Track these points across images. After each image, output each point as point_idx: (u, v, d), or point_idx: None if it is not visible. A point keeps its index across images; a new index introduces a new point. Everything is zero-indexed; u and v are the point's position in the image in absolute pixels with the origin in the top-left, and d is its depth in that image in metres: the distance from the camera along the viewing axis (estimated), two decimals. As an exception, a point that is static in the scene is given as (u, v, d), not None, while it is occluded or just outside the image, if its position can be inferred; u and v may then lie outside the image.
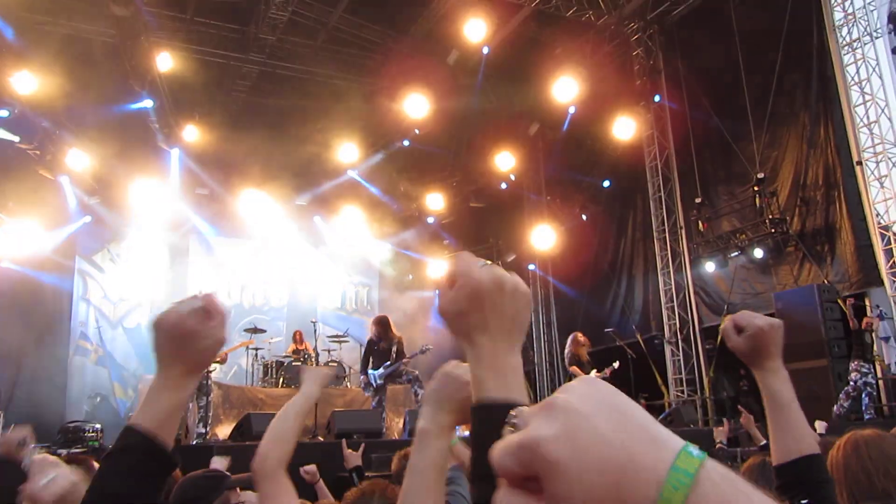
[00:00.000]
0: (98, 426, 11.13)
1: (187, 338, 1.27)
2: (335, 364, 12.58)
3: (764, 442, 5.18)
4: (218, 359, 10.56)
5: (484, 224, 18.30)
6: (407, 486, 1.27)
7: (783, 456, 1.51)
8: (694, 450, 0.54)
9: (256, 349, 12.68)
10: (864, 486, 2.13)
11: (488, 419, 0.97)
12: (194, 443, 8.50)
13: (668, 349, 13.98)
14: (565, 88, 14.58)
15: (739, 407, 7.75)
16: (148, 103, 13.52)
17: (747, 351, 1.61)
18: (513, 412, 0.60)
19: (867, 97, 11.06)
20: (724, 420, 11.49)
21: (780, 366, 1.59)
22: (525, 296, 1.06)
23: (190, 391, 1.33)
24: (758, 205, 11.99)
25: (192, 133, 14.53)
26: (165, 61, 13.15)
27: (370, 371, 9.79)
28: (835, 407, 9.61)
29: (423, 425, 1.30)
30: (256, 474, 1.88)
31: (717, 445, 4.80)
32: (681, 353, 13.77)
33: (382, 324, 10.01)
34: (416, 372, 9.89)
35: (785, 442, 1.51)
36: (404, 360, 9.69)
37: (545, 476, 0.55)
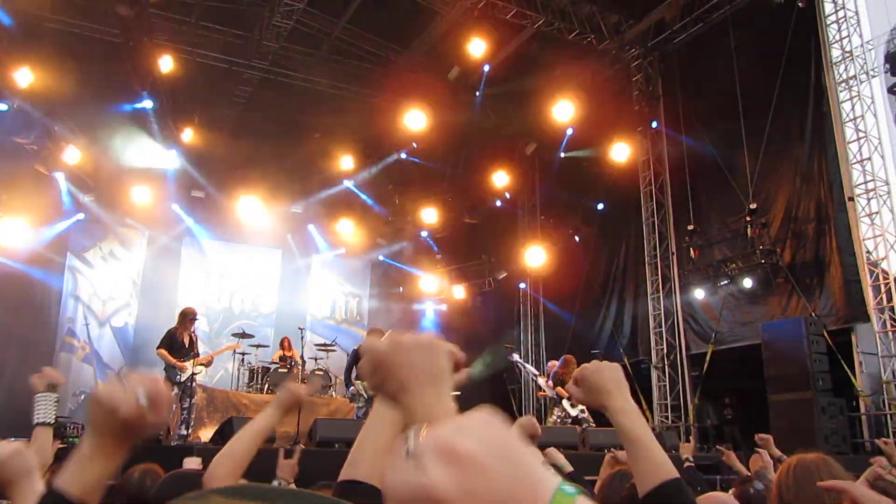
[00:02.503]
0: (80, 423, 11.07)
1: (127, 423, 1.24)
2: (321, 372, 12.56)
3: (748, 474, 5.18)
4: (203, 362, 10.56)
5: (477, 240, 18.35)
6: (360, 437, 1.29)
7: (645, 486, 1.55)
8: (568, 488, 0.59)
9: (243, 354, 12.66)
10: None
11: None
12: (173, 444, 8.47)
13: (654, 374, 14.01)
14: (564, 110, 14.68)
15: (719, 446, 7.77)
16: (148, 104, 13.57)
17: (589, 395, 1.63)
18: (409, 432, 0.64)
19: (861, 134, 11.17)
20: (690, 438, 11.53)
21: (623, 404, 1.59)
22: (430, 344, 1.06)
23: (121, 461, 1.28)
24: (749, 235, 12.07)
25: (191, 136, 14.56)
26: (167, 63, 13.18)
27: (356, 381, 9.81)
28: None
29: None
30: (204, 487, 1.88)
31: (685, 464, 4.80)
32: (667, 379, 13.80)
33: (370, 335, 10.06)
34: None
35: (645, 472, 1.55)
36: None
37: None
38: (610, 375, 1.63)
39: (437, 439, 0.61)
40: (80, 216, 14.50)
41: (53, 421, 2.47)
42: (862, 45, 11.39)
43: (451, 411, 1.02)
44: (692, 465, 4.72)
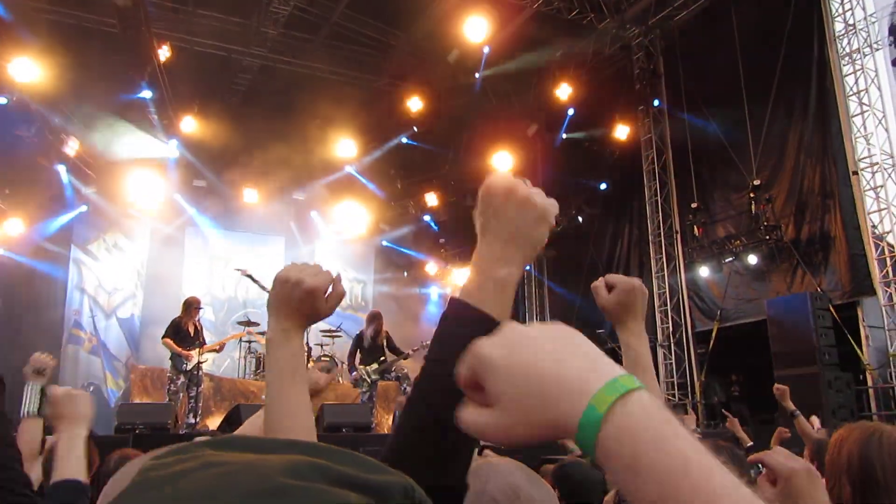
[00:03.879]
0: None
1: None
2: (327, 358, 12.60)
3: (751, 444, 5.22)
4: (215, 348, 10.61)
5: (480, 223, 18.28)
6: (267, 393, 1.28)
7: None
8: (635, 379, 0.58)
9: (249, 342, 12.70)
10: (874, 484, 1.94)
11: (451, 318, 1.03)
12: (182, 432, 8.51)
13: (660, 352, 14.02)
14: (565, 90, 14.61)
15: (724, 411, 7.80)
16: (147, 94, 13.51)
17: (615, 308, 1.61)
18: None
19: (865, 108, 11.10)
20: (689, 410, 11.55)
21: (643, 329, 1.61)
22: (536, 209, 1.08)
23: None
24: (753, 211, 12.02)
25: (191, 125, 14.53)
26: (165, 53, 13.12)
27: (360, 366, 9.84)
28: None
29: (268, 336, 1.30)
30: None
31: None
32: (673, 357, 13.82)
33: (373, 318, 10.13)
34: (406, 370, 9.96)
35: None
36: (407, 355, 9.81)
37: (481, 375, 0.61)
38: (644, 302, 1.63)
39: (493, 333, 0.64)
40: (83, 208, 14.50)
41: (37, 411, 2.49)
42: (865, 18, 11.29)
43: (503, 280, 1.04)
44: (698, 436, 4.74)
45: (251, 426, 1.86)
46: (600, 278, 1.67)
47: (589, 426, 0.55)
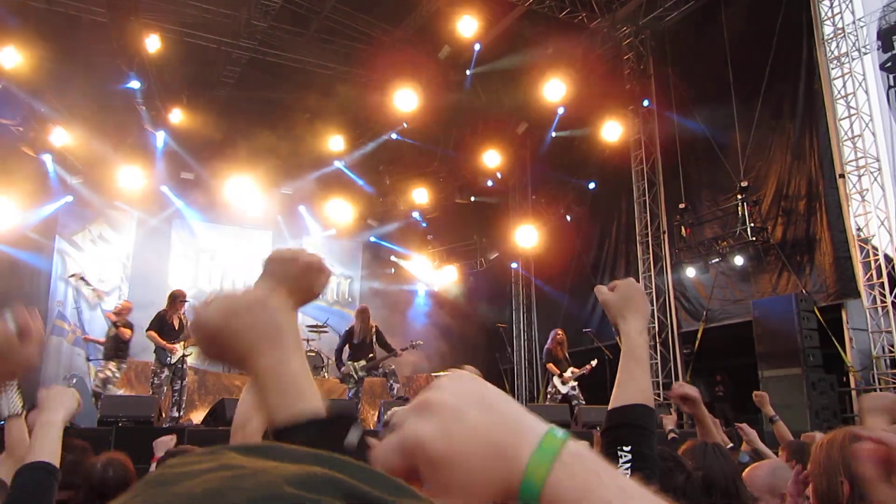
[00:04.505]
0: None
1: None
2: (313, 354, 12.56)
3: (731, 445, 5.24)
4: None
5: (468, 220, 18.31)
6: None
7: (620, 402, 1.55)
8: (558, 432, 0.60)
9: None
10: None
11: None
12: (166, 426, 8.46)
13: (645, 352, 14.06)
14: (555, 89, 14.62)
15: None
16: (135, 84, 13.41)
17: (618, 302, 1.63)
18: (388, 414, 0.64)
19: (852, 111, 11.17)
20: (673, 410, 11.61)
21: (644, 324, 1.62)
22: (257, 302, 1.02)
23: None
24: (740, 213, 12.08)
25: (179, 116, 14.42)
26: (154, 43, 13.02)
27: (348, 362, 9.82)
28: None
29: None
30: None
31: (669, 436, 4.84)
32: (658, 357, 13.86)
33: (359, 314, 10.12)
34: (393, 367, 9.96)
35: (627, 391, 1.55)
36: (397, 353, 9.81)
37: (427, 470, 0.60)
38: (643, 298, 1.64)
39: (412, 402, 0.63)
40: (69, 198, 14.39)
41: (21, 410, 2.46)
42: (854, 22, 11.35)
43: (299, 371, 1.01)
44: (676, 436, 4.75)
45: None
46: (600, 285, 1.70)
47: (530, 495, 0.58)
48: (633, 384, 1.57)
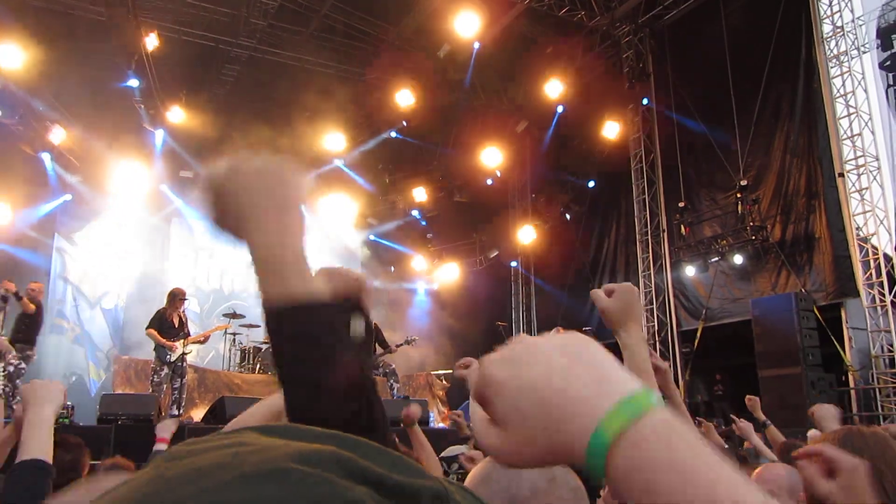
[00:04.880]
0: (70, 403, 11.02)
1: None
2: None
3: (726, 447, 5.28)
4: (200, 339, 10.56)
5: (467, 219, 18.30)
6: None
7: None
8: (652, 395, 0.53)
9: (234, 334, 12.64)
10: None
11: (278, 326, 0.91)
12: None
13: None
14: (554, 88, 14.61)
15: (697, 419, 7.86)
16: (134, 83, 13.39)
17: (618, 310, 1.60)
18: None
19: (851, 110, 11.17)
20: None
21: (642, 332, 1.61)
22: (277, 169, 0.95)
23: None
24: (739, 211, 12.08)
25: (178, 115, 14.40)
26: (153, 41, 12.99)
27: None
28: None
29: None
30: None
31: None
32: (657, 356, 13.86)
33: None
34: (393, 366, 9.96)
35: None
36: (392, 350, 9.81)
37: (489, 395, 0.57)
38: (640, 303, 1.63)
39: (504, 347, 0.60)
40: (68, 197, 14.36)
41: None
42: (853, 21, 11.35)
43: (298, 253, 0.92)
44: None
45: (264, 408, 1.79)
46: (595, 289, 1.68)
47: (597, 453, 0.51)
48: None
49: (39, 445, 1.79)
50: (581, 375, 0.55)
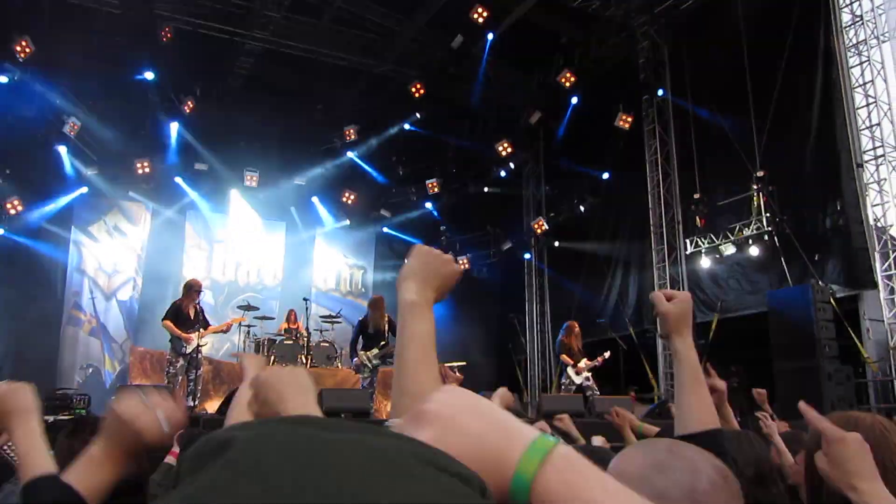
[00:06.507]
0: (86, 395, 11.12)
1: (143, 439, 1.44)
2: (326, 345, 12.60)
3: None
4: (224, 327, 10.65)
5: (481, 211, 18.26)
6: (407, 356, 1.29)
7: (696, 427, 1.54)
8: (549, 437, 0.65)
9: (249, 326, 12.71)
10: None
11: None
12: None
13: (659, 343, 13.99)
14: (569, 78, 14.53)
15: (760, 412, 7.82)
16: (149, 75, 13.47)
17: (677, 316, 1.62)
18: (387, 423, 0.74)
19: (870, 100, 11.04)
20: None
21: (693, 342, 1.63)
22: (293, 370, 1.44)
23: (126, 468, 1.49)
24: (756, 203, 11.98)
25: (193, 108, 14.46)
26: (168, 34, 13.04)
27: (361, 352, 9.84)
28: None
29: (412, 298, 1.32)
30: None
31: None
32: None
33: (373, 305, 10.12)
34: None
35: (702, 416, 1.55)
36: None
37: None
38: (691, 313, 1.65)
39: (406, 415, 0.69)
40: (84, 190, 14.46)
41: None
42: (873, 9, 11.22)
43: (315, 411, 1.30)
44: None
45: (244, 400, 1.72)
46: (658, 291, 1.69)
47: (520, 493, 0.62)
48: (705, 408, 1.56)
49: (41, 460, 1.61)
50: (492, 434, 0.65)
